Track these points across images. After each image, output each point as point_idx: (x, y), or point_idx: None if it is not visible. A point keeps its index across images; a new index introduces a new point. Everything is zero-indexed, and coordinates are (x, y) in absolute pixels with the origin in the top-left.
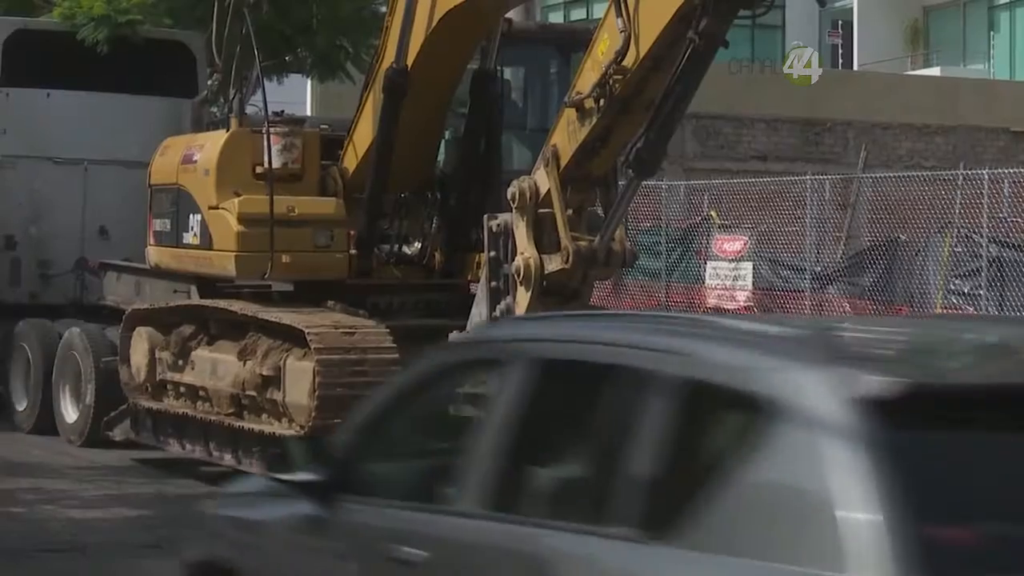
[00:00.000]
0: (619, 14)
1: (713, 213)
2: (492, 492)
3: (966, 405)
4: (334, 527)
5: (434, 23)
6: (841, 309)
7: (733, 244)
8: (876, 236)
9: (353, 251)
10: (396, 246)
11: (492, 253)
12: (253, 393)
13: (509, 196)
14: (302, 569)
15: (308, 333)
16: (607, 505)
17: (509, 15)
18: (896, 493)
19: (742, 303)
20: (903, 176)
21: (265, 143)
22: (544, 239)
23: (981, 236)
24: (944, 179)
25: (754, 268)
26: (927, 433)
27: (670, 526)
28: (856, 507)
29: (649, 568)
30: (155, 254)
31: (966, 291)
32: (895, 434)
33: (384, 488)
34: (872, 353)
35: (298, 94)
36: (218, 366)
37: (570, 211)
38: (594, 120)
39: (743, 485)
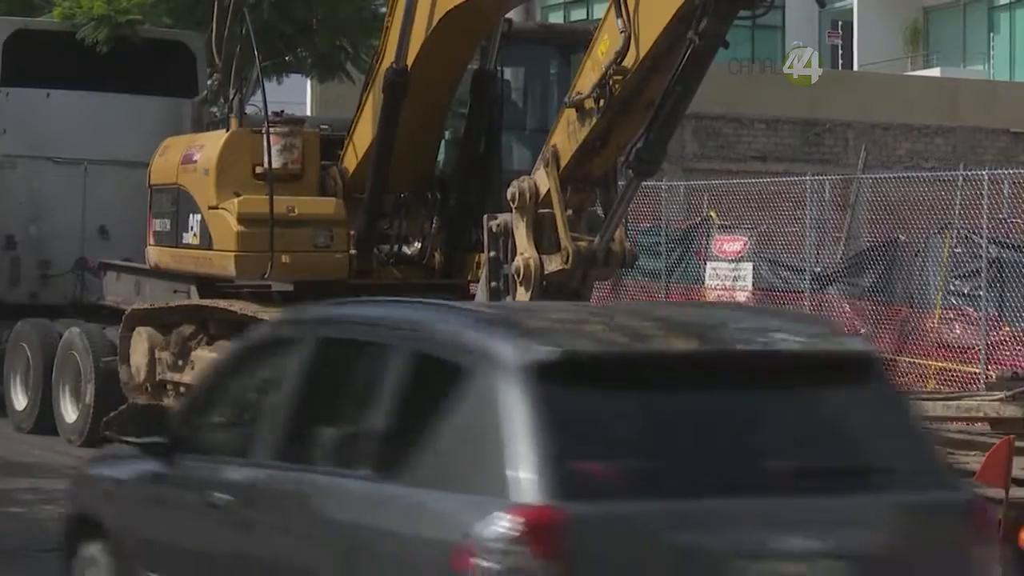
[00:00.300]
0: (619, 14)
1: (713, 213)
2: (278, 446)
3: (607, 368)
4: (172, 480)
5: (434, 23)
6: (841, 310)
7: (733, 244)
8: (876, 237)
9: (353, 251)
10: (396, 246)
11: (492, 253)
12: None
13: (509, 196)
14: (147, 516)
15: None
16: (355, 453)
17: (509, 15)
18: (548, 435)
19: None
20: (903, 177)
21: (265, 143)
22: (544, 239)
23: (981, 237)
24: (944, 180)
25: (754, 269)
26: (577, 389)
27: (396, 467)
28: (519, 446)
29: (376, 500)
30: (155, 254)
31: (966, 292)
32: (552, 390)
33: (210, 447)
34: (547, 329)
35: (298, 94)
36: None
37: (570, 211)
38: (594, 120)
39: (447, 433)
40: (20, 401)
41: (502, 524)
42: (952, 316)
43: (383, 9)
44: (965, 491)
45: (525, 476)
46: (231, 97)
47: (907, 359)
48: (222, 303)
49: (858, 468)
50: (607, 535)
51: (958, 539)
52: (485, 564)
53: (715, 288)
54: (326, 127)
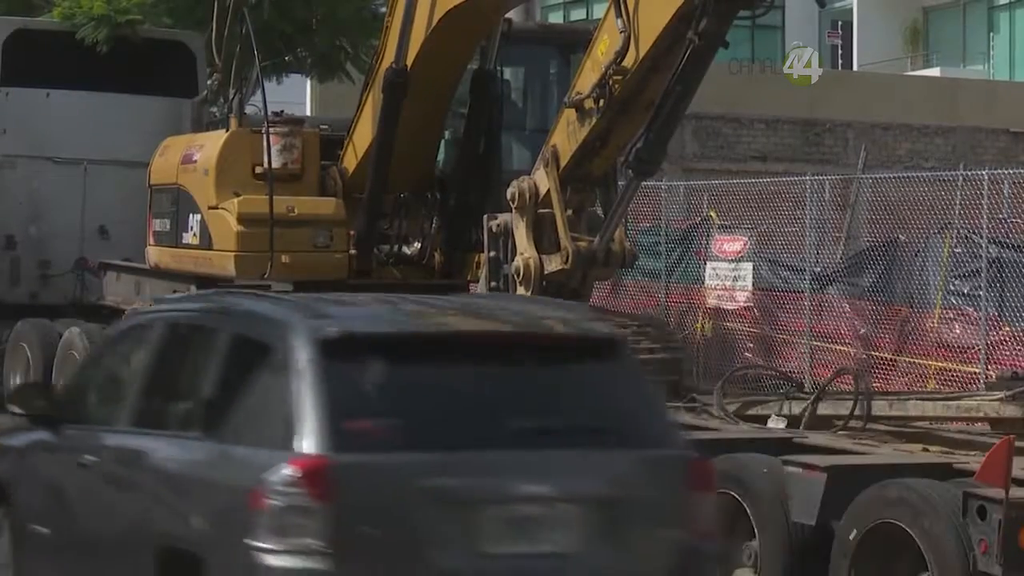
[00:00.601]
0: (619, 14)
1: (713, 213)
2: (134, 414)
3: (380, 345)
4: (57, 447)
5: (434, 23)
6: (841, 310)
7: (733, 244)
8: (876, 237)
9: (353, 251)
10: (396, 246)
11: (492, 253)
12: None
13: (509, 196)
14: (38, 477)
15: None
16: (189, 417)
17: (509, 15)
18: (326, 400)
19: (742, 303)
20: (903, 177)
21: (265, 143)
22: (544, 239)
23: (981, 237)
24: (944, 180)
25: (754, 268)
26: (354, 362)
27: (217, 428)
28: (304, 409)
29: (201, 455)
30: (155, 254)
31: (966, 292)
32: (333, 363)
33: (86, 417)
34: (336, 314)
35: (298, 94)
36: None
37: (570, 211)
38: (594, 120)
39: (255, 399)
40: None
41: (285, 471)
42: (952, 316)
43: (383, 9)
44: (685, 449)
45: (307, 433)
46: (231, 97)
47: (907, 359)
48: None
49: (593, 428)
50: (371, 480)
51: (676, 488)
52: (272, 503)
53: (715, 288)
54: (326, 127)
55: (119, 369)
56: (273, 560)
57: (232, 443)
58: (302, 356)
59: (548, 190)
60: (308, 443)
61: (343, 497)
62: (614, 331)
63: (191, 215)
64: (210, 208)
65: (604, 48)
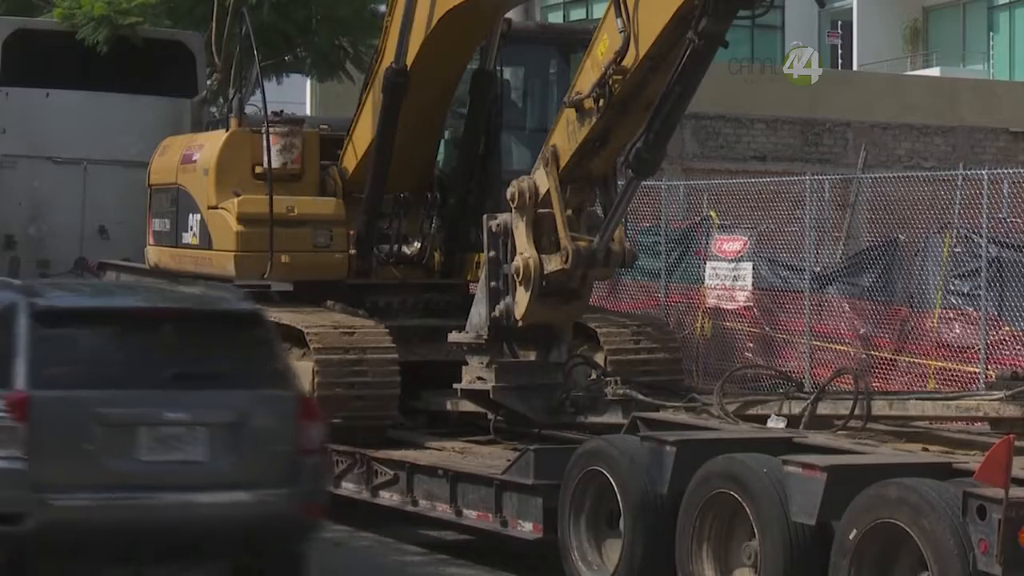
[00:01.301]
0: (619, 14)
1: (712, 213)
2: None
3: (76, 315)
4: None
5: (434, 23)
6: (840, 309)
7: (732, 244)
8: (875, 236)
9: (352, 251)
10: (395, 246)
11: (492, 253)
12: None
13: (508, 196)
14: None
15: (307, 333)
16: None
17: (509, 15)
18: (32, 352)
19: (741, 303)
20: (902, 176)
21: (265, 143)
22: (543, 239)
23: (980, 236)
24: (943, 179)
25: (754, 268)
26: (59, 327)
27: None
28: (19, 359)
29: None
30: (154, 254)
31: (965, 291)
32: (43, 328)
33: None
34: (47, 294)
35: (298, 94)
36: None
37: (569, 211)
38: (593, 120)
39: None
40: None
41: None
42: (952, 316)
43: (383, 9)
44: (297, 391)
45: (17, 375)
46: (231, 97)
47: (907, 359)
48: None
49: (225, 375)
50: (59, 408)
51: (286, 417)
52: None
53: (715, 288)
54: (326, 127)
55: None
56: None
57: None
58: (20, 323)
59: (548, 190)
60: (17, 382)
61: (37, 419)
62: (253, 308)
63: (191, 215)
64: (210, 208)
65: (604, 48)
